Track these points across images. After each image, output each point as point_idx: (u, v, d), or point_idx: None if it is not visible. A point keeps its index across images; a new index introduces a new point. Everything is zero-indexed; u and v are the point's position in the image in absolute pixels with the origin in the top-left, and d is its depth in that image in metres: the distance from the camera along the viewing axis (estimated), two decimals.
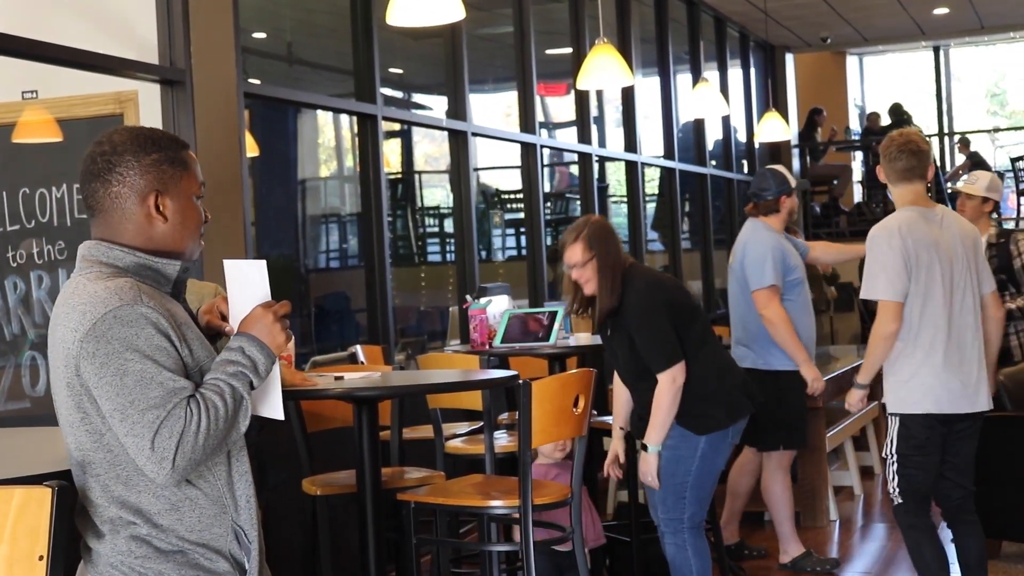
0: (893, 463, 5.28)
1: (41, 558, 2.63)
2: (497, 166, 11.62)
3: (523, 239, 10.57)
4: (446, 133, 8.89)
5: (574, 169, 11.42)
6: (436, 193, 11.04)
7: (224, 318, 3.06)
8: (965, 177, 7.45)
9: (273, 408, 2.97)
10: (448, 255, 10.45)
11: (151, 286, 2.87)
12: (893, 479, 5.28)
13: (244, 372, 2.82)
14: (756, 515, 7.93)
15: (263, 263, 3.01)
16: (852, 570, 6.88)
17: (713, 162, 14.35)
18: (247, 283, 3.01)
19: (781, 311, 6.47)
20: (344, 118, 9.30)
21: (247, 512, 2.90)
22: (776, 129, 11.88)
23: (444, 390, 5.16)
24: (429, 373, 5.57)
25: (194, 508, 2.82)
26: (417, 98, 10.52)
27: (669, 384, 5.12)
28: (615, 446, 5.62)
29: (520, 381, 4.46)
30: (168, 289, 2.93)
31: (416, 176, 10.83)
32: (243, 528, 2.89)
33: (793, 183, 6.80)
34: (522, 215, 10.81)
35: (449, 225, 10.25)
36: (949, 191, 18.14)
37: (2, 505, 2.60)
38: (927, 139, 5.75)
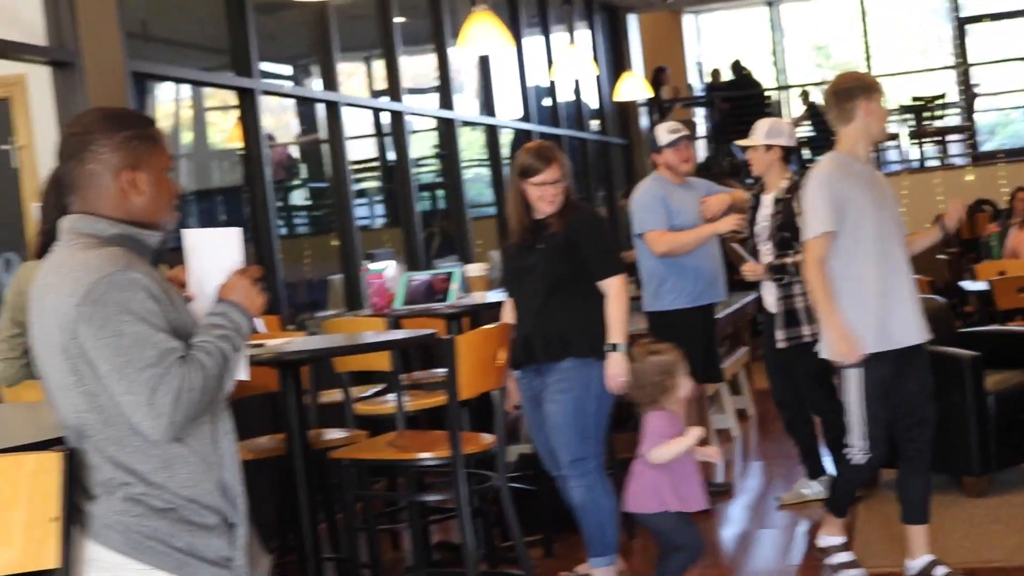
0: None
1: (54, 520, 2.75)
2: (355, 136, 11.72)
3: (378, 207, 10.75)
4: (291, 103, 8.99)
5: (435, 136, 11.59)
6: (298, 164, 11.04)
7: (182, 286, 3.19)
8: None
9: (238, 369, 3.10)
10: (301, 227, 10.53)
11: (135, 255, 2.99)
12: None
13: (228, 334, 2.97)
14: None
15: (238, 231, 3.15)
16: (735, 506, 7.22)
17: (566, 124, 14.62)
18: (213, 251, 3.14)
19: (670, 243, 6.80)
20: (194, 94, 9.21)
21: (231, 468, 3.04)
22: (634, 88, 12.16)
23: (374, 349, 5.30)
24: (346, 336, 5.72)
25: (184, 465, 2.94)
26: (265, 67, 10.53)
27: (624, 286, 5.49)
28: (511, 387, 5.68)
29: (446, 337, 4.65)
30: (148, 258, 3.05)
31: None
32: (228, 483, 3.03)
33: (662, 140, 7.01)
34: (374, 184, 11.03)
35: (297, 198, 10.36)
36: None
37: (15, 472, 2.71)
38: (860, 76, 5.66)
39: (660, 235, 6.82)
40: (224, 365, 2.93)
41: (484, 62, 11.97)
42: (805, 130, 18.61)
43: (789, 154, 6.99)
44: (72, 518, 2.79)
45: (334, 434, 5.48)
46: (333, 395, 6.40)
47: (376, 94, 10.65)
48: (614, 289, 5.49)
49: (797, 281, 6.53)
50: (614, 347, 5.42)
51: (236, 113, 8.31)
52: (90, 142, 3.00)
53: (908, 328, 5.33)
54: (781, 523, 6.79)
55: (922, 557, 5.46)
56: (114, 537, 2.89)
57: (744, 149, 7.18)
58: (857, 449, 5.36)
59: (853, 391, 5.30)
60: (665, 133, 7.03)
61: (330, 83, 8.85)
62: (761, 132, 6.92)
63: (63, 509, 2.75)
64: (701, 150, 19.43)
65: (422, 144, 11.82)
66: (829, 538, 5.68)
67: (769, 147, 6.88)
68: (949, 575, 5.39)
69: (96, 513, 2.91)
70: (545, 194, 5.48)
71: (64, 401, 2.93)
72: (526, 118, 13.13)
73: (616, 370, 5.41)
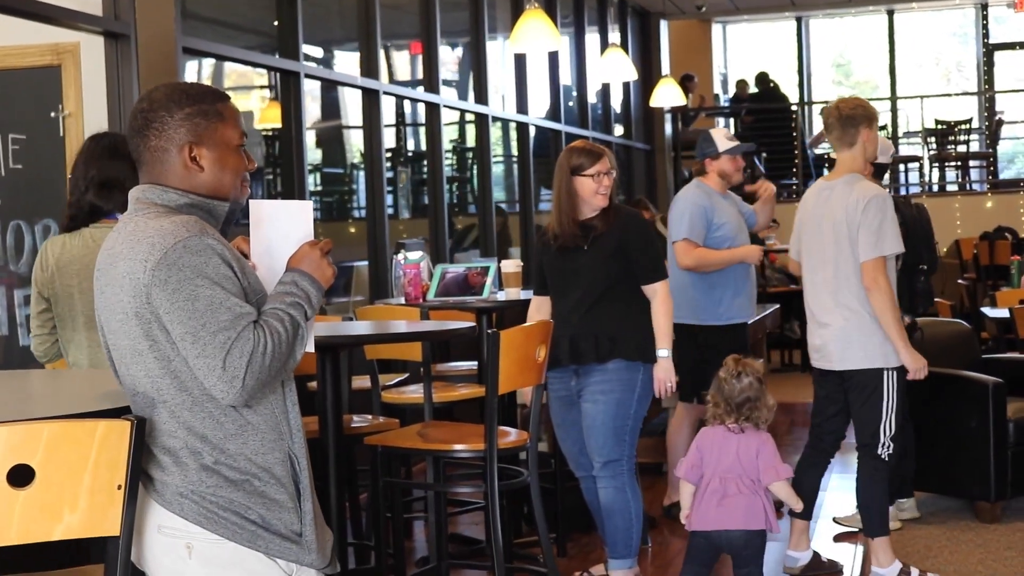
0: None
1: (119, 488, 2.79)
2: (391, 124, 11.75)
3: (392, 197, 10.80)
4: (314, 86, 9.04)
5: (456, 130, 11.62)
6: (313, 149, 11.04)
7: (245, 256, 3.23)
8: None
9: (308, 340, 3.13)
10: (321, 212, 10.54)
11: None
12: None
13: (299, 303, 3.01)
14: (655, 466, 8.26)
15: (310, 204, 3.20)
16: None
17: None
18: (282, 223, 3.18)
19: (698, 258, 6.72)
20: (215, 72, 9.22)
21: (299, 440, 3.08)
22: (672, 94, 12.18)
23: (420, 339, 5.37)
24: (380, 324, 5.76)
25: (256, 433, 2.98)
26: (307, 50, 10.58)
27: (668, 291, 5.61)
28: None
29: (489, 331, 4.68)
30: (217, 228, 3.09)
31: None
32: (296, 456, 3.07)
33: (722, 147, 6.92)
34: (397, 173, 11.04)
35: (321, 181, 10.38)
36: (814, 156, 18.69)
37: (86, 437, 2.73)
38: (863, 103, 5.86)
39: (691, 248, 6.74)
40: (295, 332, 2.97)
41: (520, 60, 12.01)
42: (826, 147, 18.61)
43: (881, 171, 6.72)
44: (136, 487, 2.83)
45: (363, 420, 5.53)
46: (358, 382, 6.46)
47: (406, 84, 10.68)
48: (660, 294, 5.56)
49: None
50: (663, 353, 5.51)
51: (263, 94, 8.34)
52: (153, 119, 3.04)
53: None
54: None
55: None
56: (188, 507, 2.93)
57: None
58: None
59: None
60: (724, 139, 6.93)
61: (371, 71, 8.88)
62: None
63: (128, 478, 2.79)
64: None
65: (446, 136, 11.89)
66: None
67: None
68: None
69: (169, 483, 2.94)
70: (600, 185, 5.54)
71: (137, 367, 2.95)
72: (555, 118, 13.18)
73: (664, 375, 5.49)
